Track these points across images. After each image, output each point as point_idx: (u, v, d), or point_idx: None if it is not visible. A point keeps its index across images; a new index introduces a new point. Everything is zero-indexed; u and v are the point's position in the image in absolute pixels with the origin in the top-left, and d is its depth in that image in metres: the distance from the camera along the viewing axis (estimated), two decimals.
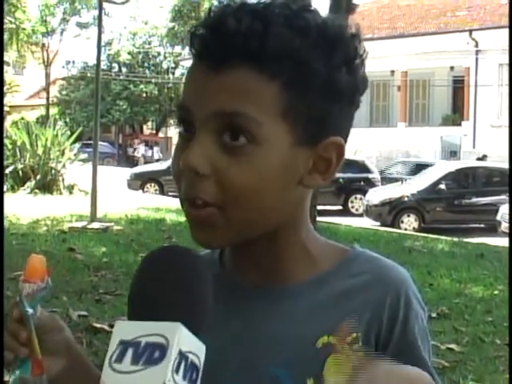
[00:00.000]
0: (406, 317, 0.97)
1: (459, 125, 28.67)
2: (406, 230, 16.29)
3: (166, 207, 13.94)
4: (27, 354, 0.93)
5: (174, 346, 0.73)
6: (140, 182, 22.29)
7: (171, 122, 47.24)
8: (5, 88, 44.62)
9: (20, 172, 16.88)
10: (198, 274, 0.82)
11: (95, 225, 10.84)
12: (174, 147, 0.98)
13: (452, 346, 5.57)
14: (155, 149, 43.53)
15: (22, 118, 33.02)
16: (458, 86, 29.97)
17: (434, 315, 6.48)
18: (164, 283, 0.80)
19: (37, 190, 16.23)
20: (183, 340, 0.74)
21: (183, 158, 0.89)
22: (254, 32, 0.88)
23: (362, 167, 20.82)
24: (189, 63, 0.97)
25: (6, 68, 42.70)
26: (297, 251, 1.00)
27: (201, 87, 0.91)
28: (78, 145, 18.96)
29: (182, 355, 0.73)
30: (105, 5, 15.08)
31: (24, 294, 0.93)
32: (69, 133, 18.75)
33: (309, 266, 1.00)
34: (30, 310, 0.92)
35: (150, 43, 46.34)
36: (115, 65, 45.86)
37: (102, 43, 15.18)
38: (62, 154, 17.50)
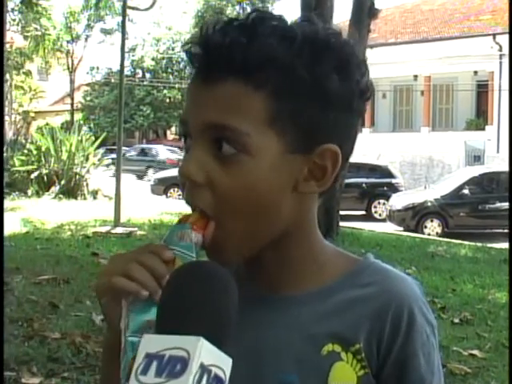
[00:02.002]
0: (407, 331, 0.96)
1: (483, 129, 28.45)
2: (429, 235, 16.22)
3: (190, 213, 13.87)
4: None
5: (195, 359, 0.75)
6: (163, 187, 22.35)
7: None
8: (30, 94, 45.08)
9: (45, 177, 17.00)
10: (223, 288, 0.82)
11: (119, 230, 10.92)
12: None
13: (474, 351, 5.53)
14: None
15: (47, 124, 33.28)
16: (482, 91, 29.73)
17: (456, 321, 6.47)
18: (190, 298, 0.81)
19: (61, 195, 16.35)
20: (205, 353, 0.76)
21: (179, 168, 0.94)
22: (237, 45, 0.90)
23: (385, 172, 20.74)
24: None
25: (31, 75, 43.20)
26: (303, 260, 1.01)
27: (194, 101, 0.96)
28: (101, 150, 19.08)
29: (204, 368, 0.75)
30: (129, 11, 15.19)
31: (194, 241, 0.92)
32: (93, 138, 18.82)
33: (316, 275, 1.01)
34: (193, 255, 0.90)
35: (173, 49, 46.50)
36: (139, 70, 46.11)
37: (126, 49, 15.28)
38: (86, 159, 17.61)
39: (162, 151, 32.69)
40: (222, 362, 0.78)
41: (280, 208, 0.96)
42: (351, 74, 0.95)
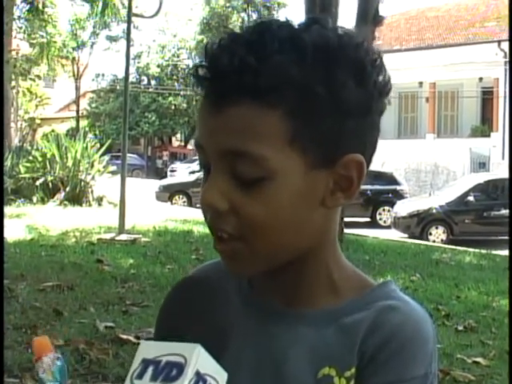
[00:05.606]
0: (385, 361, 0.91)
1: (488, 136, 28.42)
2: (434, 242, 16.20)
3: (194, 219, 13.94)
4: None
5: (191, 365, 0.75)
6: (168, 193, 22.37)
7: None
8: (36, 101, 45.24)
9: (50, 184, 16.98)
10: (216, 305, 0.84)
11: (123, 236, 10.90)
12: None
13: (478, 359, 5.51)
14: None
15: (53, 131, 33.34)
16: (487, 97, 29.72)
17: (460, 328, 6.46)
18: (185, 315, 0.83)
19: (66, 202, 16.34)
20: (201, 361, 0.76)
21: (201, 196, 0.92)
22: (247, 67, 0.86)
23: (389, 179, 20.75)
24: None
25: (37, 81, 43.35)
26: (320, 278, 0.99)
27: (207, 126, 0.92)
28: (107, 157, 19.07)
29: (200, 376, 0.75)
30: (134, 18, 15.22)
31: (41, 373, 0.89)
32: (98, 145, 18.83)
33: (330, 294, 0.99)
34: None
35: (178, 56, 46.61)
36: (144, 77, 46.20)
37: (132, 56, 15.32)
38: (92, 166, 17.60)
39: None
40: (218, 374, 0.77)
41: (307, 226, 0.93)
42: (368, 77, 0.92)
